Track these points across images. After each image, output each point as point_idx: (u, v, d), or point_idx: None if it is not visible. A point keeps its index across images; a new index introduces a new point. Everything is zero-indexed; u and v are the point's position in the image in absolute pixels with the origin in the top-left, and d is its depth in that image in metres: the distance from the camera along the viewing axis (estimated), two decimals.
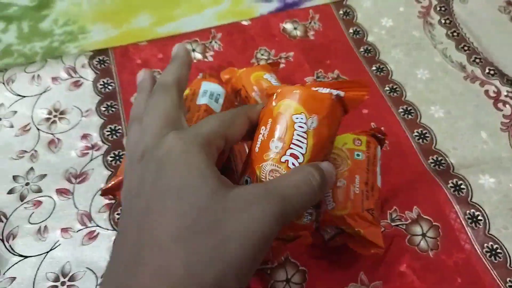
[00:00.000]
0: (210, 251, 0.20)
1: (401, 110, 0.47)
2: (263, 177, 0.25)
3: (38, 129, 0.44)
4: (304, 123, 0.25)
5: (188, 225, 0.20)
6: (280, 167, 0.25)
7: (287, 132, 0.25)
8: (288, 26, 0.54)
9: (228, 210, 0.21)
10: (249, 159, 0.26)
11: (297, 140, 0.24)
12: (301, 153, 0.24)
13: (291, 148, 0.25)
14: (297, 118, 0.25)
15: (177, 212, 0.20)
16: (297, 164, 0.25)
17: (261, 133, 0.26)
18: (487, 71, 0.50)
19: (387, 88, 0.49)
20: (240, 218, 0.21)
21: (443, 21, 0.55)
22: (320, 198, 0.26)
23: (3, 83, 0.47)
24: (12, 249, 0.37)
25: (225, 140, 0.25)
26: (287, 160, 0.25)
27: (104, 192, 0.36)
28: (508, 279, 0.38)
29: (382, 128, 0.42)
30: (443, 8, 0.56)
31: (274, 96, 0.26)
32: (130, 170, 0.25)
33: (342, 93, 0.26)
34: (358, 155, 0.39)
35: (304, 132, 0.25)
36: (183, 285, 0.19)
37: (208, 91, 0.39)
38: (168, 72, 0.29)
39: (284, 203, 0.22)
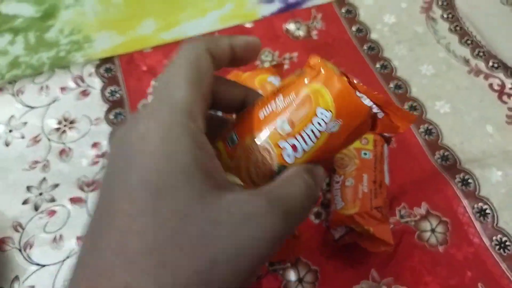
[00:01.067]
0: (191, 275, 0.16)
1: (406, 106, 0.48)
2: (252, 149, 0.22)
3: (49, 139, 0.45)
4: (325, 122, 0.21)
5: (165, 237, 0.16)
6: (273, 151, 0.22)
7: (302, 120, 0.21)
8: (291, 26, 0.54)
9: (218, 222, 0.16)
10: (247, 117, 0.23)
11: (307, 134, 0.21)
12: (303, 149, 0.21)
13: (296, 139, 0.21)
14: (321, 113, 0.21)
15: (153, 219, 0.16)
16: (292, 158, 0.21)
17: (275, 100, 0.22)
18: (490, 64, 0.50)
19: (392, 85, 0.49)
20: (234, 236, 0.16)
21: (445, 16, 0.55)
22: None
23: (13, 95, 0.48)
24: (29, 258, 0.38)
25: (205, 99, 0.20)
26: (285, 148, 0.21)
27: None
28: None
29: None
30: (445, 3, 0.56)
31: (315, 73, 0.22)
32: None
33: (381, 115, 0.22)
34: (365, 153, 0.39)
35: (319, 131, 0.21)
36: None
37: None
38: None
39: (287, 219, 0.18)
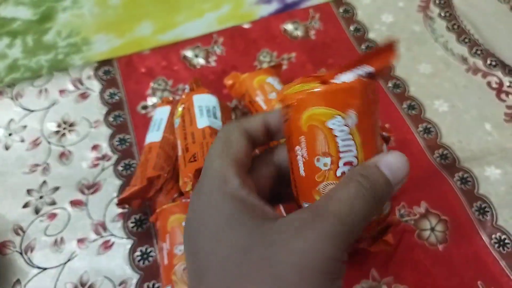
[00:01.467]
0: None
1: (404, 106, 0.48)
2: None
3: (48, 142, 0.45)
4: (344, 125, 0.21)
5: (232, 271, 0.18)
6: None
7: (329, 143, 0.21)
8: (289, 27, 0.54)
9: (275, 243, 0.18)
10: (297, 184, 0.23)
11: (344, 146, 0.21)
12: (354, 156, 0.21)
13: (342, 158, 0.21)
14: (333, 124, 0.21)
15: (220, 259, 0.19)
16: None
17: (298, 154, 0.22)
18: (488, 62, 0.51)
19: (390, 85, 0.49)
20: (291, 249, 0.18)
21: (442, 14, 0.55)
22: (381, 208, 0.22)
23: (12, 99, 0.48)
24: (31, 261, 0.39)
25: (238, 165, 0.23)
26: (343, 172, 0.21)
27: (120, 202, 0.37)
28: None
29: (387, 125, 0.43)
30: (442, 1, 0.56)
31: (294, 108, 0.22)
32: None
33: (371, 69, 0.22)
34: None
35: (348, 134, 0.21)
36: None
37: (204, 107, 0.39)
38: None
39: (340, 221, 0.19)
